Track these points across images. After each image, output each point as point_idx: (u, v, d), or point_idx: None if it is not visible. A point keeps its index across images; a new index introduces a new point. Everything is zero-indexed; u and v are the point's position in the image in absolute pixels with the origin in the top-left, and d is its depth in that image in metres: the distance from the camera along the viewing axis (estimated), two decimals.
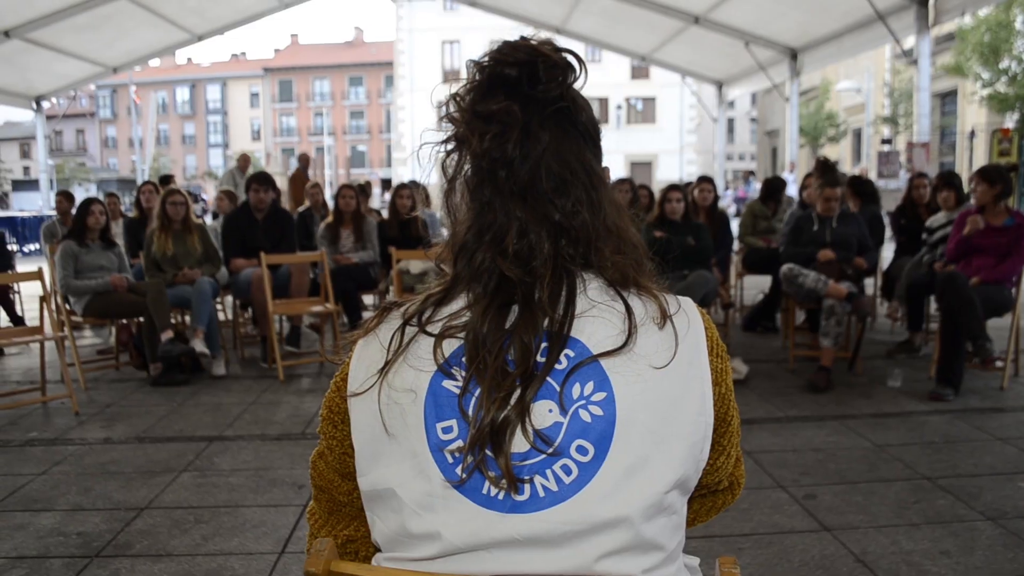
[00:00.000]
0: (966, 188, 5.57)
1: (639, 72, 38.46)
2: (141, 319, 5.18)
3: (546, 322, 0.91)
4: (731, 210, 21.98)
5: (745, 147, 51.41)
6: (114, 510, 3.04)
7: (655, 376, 0.91)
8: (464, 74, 0.98)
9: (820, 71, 25.73)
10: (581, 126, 0.98)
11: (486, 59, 0.96)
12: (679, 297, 1.00)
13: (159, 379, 5.02)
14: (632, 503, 0.89)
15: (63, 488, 3.28)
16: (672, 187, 5.55)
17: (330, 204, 7.75)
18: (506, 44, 0.96)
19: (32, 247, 16.09)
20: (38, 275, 4.53)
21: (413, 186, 6.89)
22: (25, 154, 53.02)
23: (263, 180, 5.78)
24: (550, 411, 0.90)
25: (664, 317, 0.94)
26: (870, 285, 6.20)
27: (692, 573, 1.04)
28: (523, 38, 0.96)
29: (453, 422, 0.90)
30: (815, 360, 4.95)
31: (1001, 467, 3.38)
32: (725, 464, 1.06)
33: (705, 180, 6.44)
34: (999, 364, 4.57)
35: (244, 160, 11.29)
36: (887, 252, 6.60)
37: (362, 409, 0.96)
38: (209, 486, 3.30)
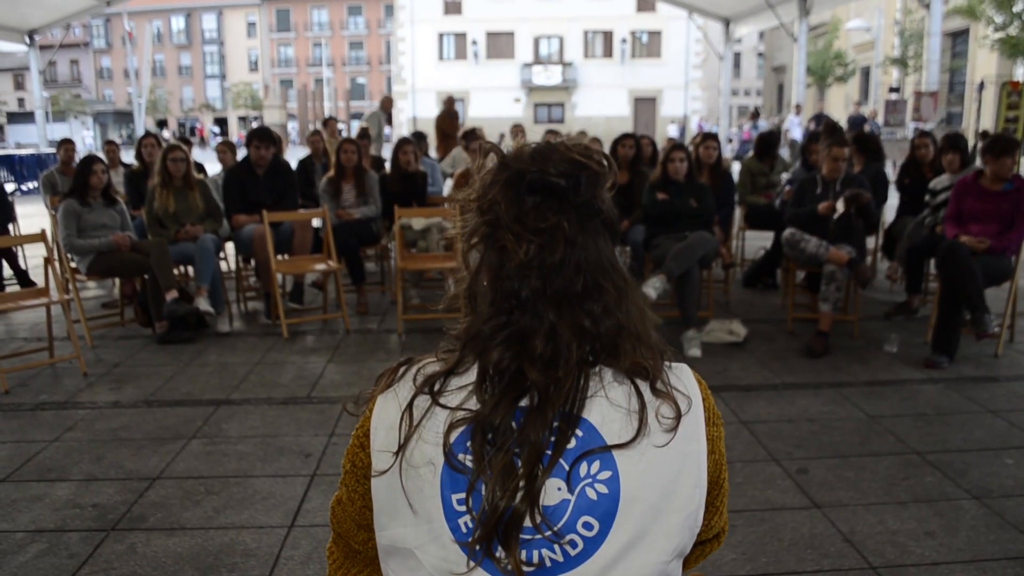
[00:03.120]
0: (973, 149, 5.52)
1: (645, 4, 37.55)
2: (145, 277, 5.21)
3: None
4: (735, 151, 21.61)
5: (751, 83, 50.60)
6: (127, 480, 3.13)
7: (657, 454, 0.96)
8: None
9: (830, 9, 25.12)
10: (604, 215, 0.99)
11: (533, 169, 0.95)
12: (677, 366, 1.03)
13: (165, 337, 5.08)
14: (631, 573, 0.95)
15: (76, 456, 3.37)
16: (676, 146, 5.51)
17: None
18: (545, 154, 0.96)
19: (31, 185, 15.99)
20: (41, 237, 4.55)
21: (415, 140, 6.82)
22: (19, 85, 52.17)
23: (263, 136, 5.74)
24: (559, 489, 0.94)
25: (675, 415, 0.97)
26: (870, 242, 6.20)
27: None
28: (562, 144, 0.97)
29: (465, 494, 0.94)
30: (814, 322, 4.99)
31: (990, 442, 3.45)
32: (718, 522, 1.12)
33: (710, 137, 6.39)
34: (996, 331, 4.61)
35: (387, 102, 11.44)
36: (891, 202, 6.58)
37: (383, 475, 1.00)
38: (218, 454, 3.39)
